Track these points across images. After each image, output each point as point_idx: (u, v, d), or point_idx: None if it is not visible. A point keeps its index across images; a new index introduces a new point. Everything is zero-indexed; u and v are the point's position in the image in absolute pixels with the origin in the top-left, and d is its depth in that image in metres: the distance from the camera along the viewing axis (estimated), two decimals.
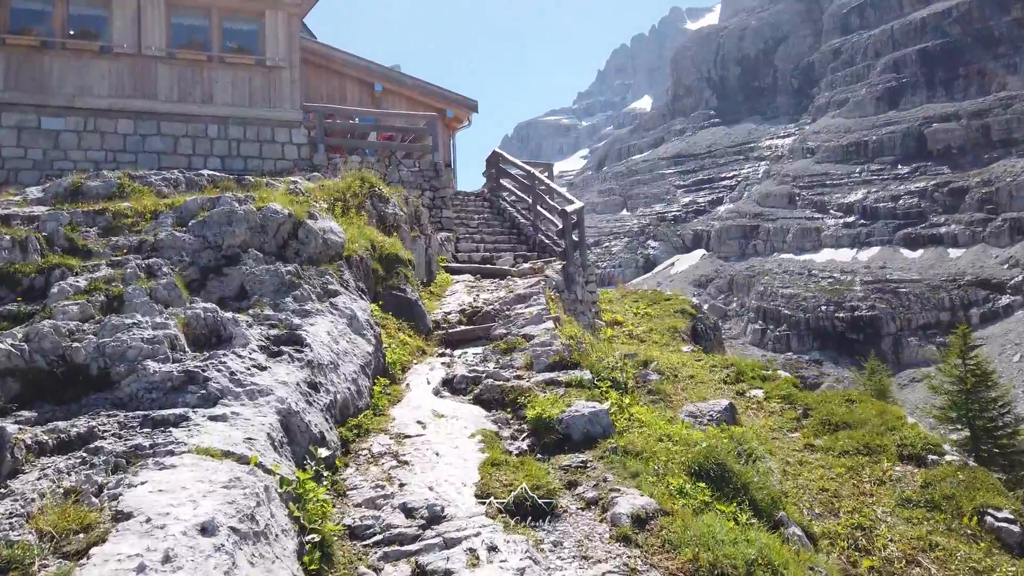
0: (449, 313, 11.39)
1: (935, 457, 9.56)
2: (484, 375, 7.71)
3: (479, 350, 9.61)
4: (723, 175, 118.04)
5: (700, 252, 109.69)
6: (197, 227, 7.41)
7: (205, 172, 11.79)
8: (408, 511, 4.76)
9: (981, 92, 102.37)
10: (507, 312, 11.21)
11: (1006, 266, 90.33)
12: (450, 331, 10.39)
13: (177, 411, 4.60)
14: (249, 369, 5.25)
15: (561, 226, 15.67)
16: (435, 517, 4.69)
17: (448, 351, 9.68)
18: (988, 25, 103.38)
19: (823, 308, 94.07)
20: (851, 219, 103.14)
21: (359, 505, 4.90)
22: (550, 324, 9.52)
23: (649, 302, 21.79)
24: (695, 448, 5.90)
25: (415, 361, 8.57)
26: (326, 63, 22.06)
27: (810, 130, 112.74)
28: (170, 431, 4.36)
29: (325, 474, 4.92)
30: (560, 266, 15.40)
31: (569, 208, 15.96)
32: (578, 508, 5.08)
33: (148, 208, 8.14)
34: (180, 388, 4.87)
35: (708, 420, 11.15)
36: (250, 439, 4.43)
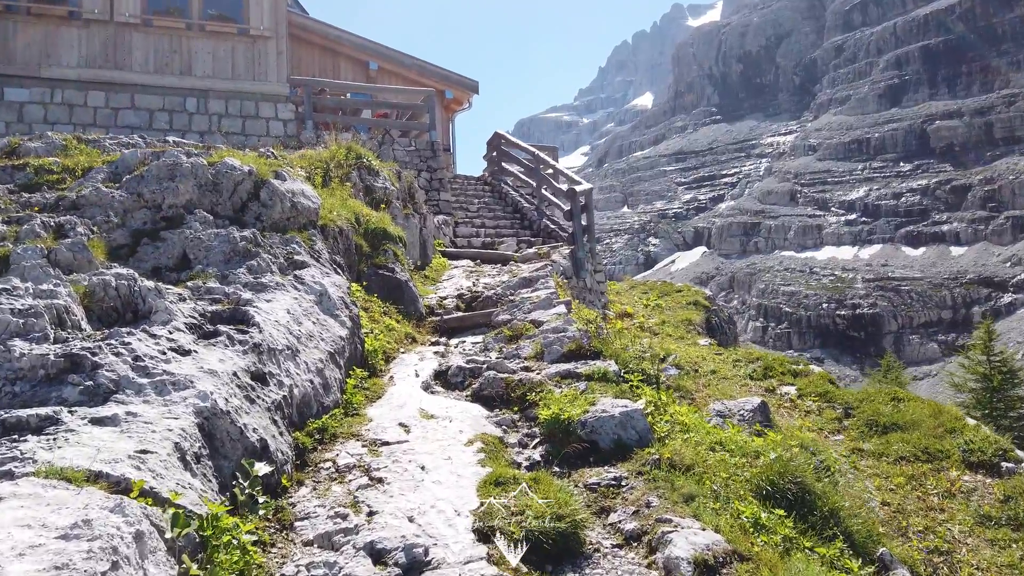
0: (445, 298, 9.94)
1: (1010, 465, 8.13)
2: (485, 366, 6.26)
3: (479, 338, 8.17)
4: (724, 172, 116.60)
5: (701, 249, 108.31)
6: (132, 183, 5.95)
7: (171, 139, 10.34)
8: (377, 554, 3.32)
9: (984, 89, 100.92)
10: (511, 297, 9.77)
11: (1008, 264, 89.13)
12: (446, 317, 8.95)
13: (44, 410, 3.16)
14: (164, 353, 3.80)
15: (568, 208, 14.22)
16: (415, 564, 3.25)
17: (443, 339, 8.24)
18: (992, 22, 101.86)
19: (824, 306, 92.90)
20: (853, 216, 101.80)
21: (309, 543, 3.46)
22: (562, 308, 8.08)
23: (659, 293, 20.34)
24: (761, 461, 4.47)
25: (402, 350, 7.12)
26: (318, 40, 20.60)
27: (812, 127, 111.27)
28: (24, 440, 2.93)
29: (263, 500, 3.48)
30: (568, 251, 13.94)
31: (578, 188, 14.50)
32: (613, 545, 3.65)
33: (81, 164, 6.69)
34: (57, 378, 3.43)
35: (739, 420, 9.75)
36: (143, 452, 2.99)
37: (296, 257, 6.09)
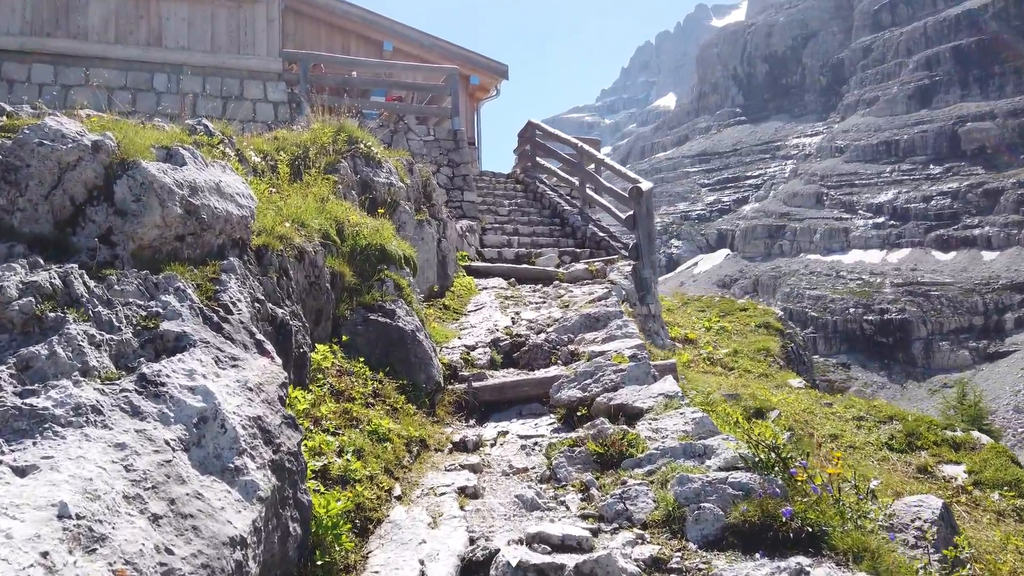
0: (474, 347, 6.56)
1: None
2: (561, 556, 2.85)
3: (530, 428, 4.81)
4: (749, 174, 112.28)
5: (724, 252, 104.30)
6: None
7: (83, 113, 7.03)
8: None
9: (1018, 90, 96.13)
10: (572, 347, 6.38)
11: None
12: (476, 384, 5.58)
13: None
14: None
15: (631, 213, 10.75)
16: None
17: (471, 432, 4.89)
18: None
19: (851, 310, 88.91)
20: (881, 220, 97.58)
21: None
22: (669, 385, 4.66)
23: (720, 312, 16.82)
24: None
25: (399, 490, 3.68)
26: (324, 16, 17.27)
27: (839, 129, 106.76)
28: None
29: None
30: (628, 268, 10.50)
31: (643, 186, 11.05)
32: None
33: None
34: None
35: (916, 536, 6.38)
36: None
37: (163, 327, 2.73)
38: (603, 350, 5.93)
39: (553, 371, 5.96)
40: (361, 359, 4.80)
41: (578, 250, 12.64)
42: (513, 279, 10.63)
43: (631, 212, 10.78)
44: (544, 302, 8.71)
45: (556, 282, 10.30)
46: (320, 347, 4.46)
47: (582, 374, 5.14)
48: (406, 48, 18.09)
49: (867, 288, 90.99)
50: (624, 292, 9.61)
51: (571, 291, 9.30)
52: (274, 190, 5.70)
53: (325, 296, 4.79)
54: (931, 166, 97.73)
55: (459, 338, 6.85)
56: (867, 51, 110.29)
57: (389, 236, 5.98)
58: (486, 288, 9.84)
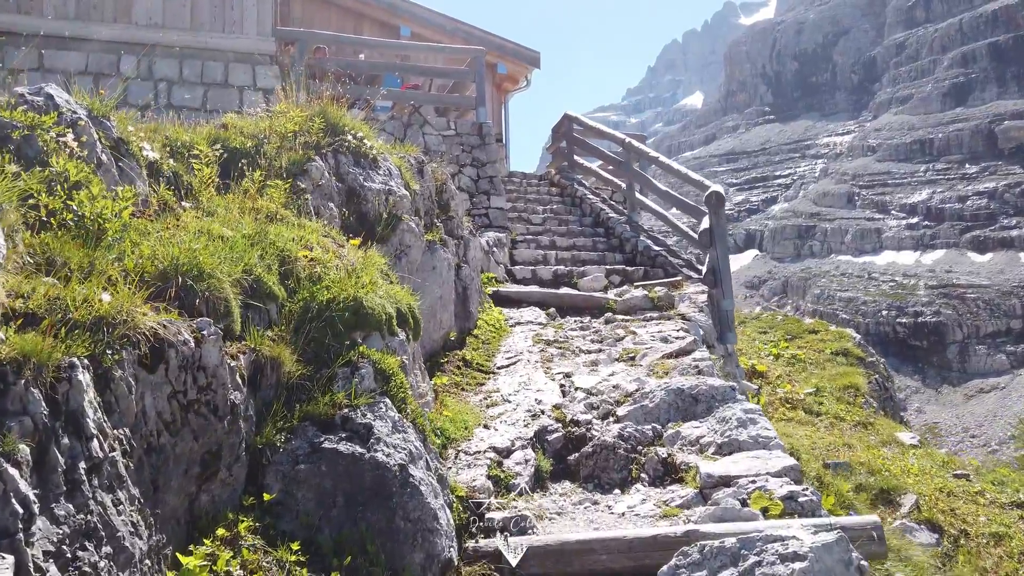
0: (509, 449, 4.11)
1: None
2: None
3: None
4: (778, 173, 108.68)
5: (753, 252, 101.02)
6: None
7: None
8: None
9: None
10: (663, 450, 3.94)
11: None
12: (516, 541, 3.19)
13: None
14: None
15: (707, 227, 8.19)
16: None
17: None
18: None
19: (884, 313, 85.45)
20: (914, 220, 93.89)
21: None
22: None
23: (785, 335, 14.22)
24: None
25: None
26: None
27: (871, 127, 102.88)
28: None
29: None
30: (703, 297, 7.99)
31: (721, 191, 8.52)
32: None
33: None
34: None
35: None
36: None
37: None
38: (726, 475, 3.47)
39: (641, 506, 3.51)
40: (295, 545, 2.39)
41: (629, 268, 10.15)
42: (552, 309, 8.21)
43: (706, 226, 8.25)
44: (600, 351, 6.26)
45: (608, 314, 7.86)
46: (197, 551, 2.06)
47: (712, 554, 2.68)
48: (426, 33, 15.67)
49: (900, 290, 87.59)
50: (702, 332, 7.13)
51: (633, 331, 6.84)
52: (189, 205, 3.34)
53: (227, 421, 2.38)
54: (967, 165, 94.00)
55: (485, 426, 4.42)
56: (900, 48, 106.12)
57: (371, 280, 3.56)
58: (519, 324, 7.42)
